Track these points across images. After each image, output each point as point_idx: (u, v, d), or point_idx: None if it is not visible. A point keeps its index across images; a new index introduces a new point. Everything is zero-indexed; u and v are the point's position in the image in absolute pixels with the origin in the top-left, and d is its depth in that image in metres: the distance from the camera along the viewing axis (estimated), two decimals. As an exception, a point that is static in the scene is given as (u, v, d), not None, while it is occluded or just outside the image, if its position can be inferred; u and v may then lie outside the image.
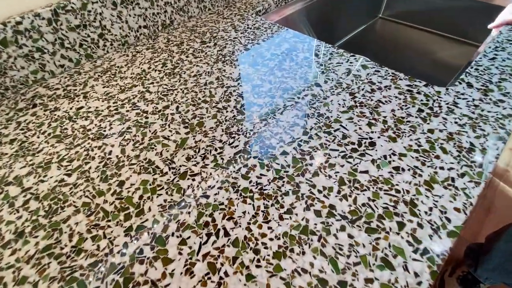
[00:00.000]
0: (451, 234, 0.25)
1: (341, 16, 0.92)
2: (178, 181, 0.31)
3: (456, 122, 0.34)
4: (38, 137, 0.37)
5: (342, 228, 0.26)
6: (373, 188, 0.28)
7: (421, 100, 0.37)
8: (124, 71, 0.48)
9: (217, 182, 0.30)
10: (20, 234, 0.27)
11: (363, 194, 0.28)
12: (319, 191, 0.29)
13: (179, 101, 0.41)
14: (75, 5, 0.45)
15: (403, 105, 0.37)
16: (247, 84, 0.43)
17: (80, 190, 0.30)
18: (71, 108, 0.41)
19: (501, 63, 0.43)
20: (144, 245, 0.26)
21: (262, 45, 0.51)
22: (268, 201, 0.28)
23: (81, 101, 0.42)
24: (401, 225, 0.26)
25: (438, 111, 0.36)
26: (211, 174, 0.31)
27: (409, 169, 0.30)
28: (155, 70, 0.47)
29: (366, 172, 0.30)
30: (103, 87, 0.45)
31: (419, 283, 0.22)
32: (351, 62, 0.45)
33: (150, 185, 0.31)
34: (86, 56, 0.50)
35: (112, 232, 0.27)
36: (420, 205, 0.27)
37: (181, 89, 0.43)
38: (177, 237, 0.26)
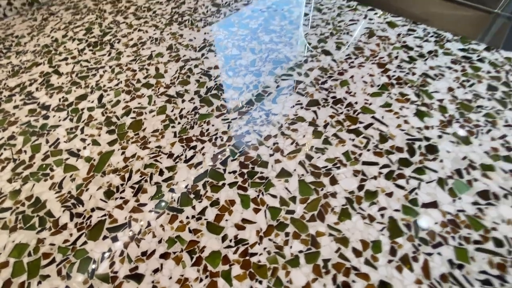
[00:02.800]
0: None
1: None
2: (85, 243, 0.16)
3: (555, 105, 0.21)
4: None
5: None
6: (453, 239, 0.15)
7: (489, 72, 0.24)
8: (25, 43, 0.31)
9: (159, 242, 0.16)
10: None
11: (438, 254, 0.15)
12: (357, 252, 0.15)
13: (104, 86, 0.25)
14: None
15: (464, 81, 0.23)
16: (217, 55, 0.27)
17: None
18: None
19: None
20: None
21: (237, -1, 0.35)
22: (261, 282, 0.14)
23: None
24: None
25: (521, 88, 0.22)
26: (149, 224, 0.16)
27: (505, 195, 0.17)
28: (73, 39, 0.30)
29: (434, 205, 0.16)
30: (-18, 69, 0.27)
31: None
32: (370, 19, 0.30)
33: (29, 255, 0.16)
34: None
35: None
36: (553, 275, 0.14)
37: (110, 66, 0.27)
38: None
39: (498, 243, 0.15)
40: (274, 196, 0.17)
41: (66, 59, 0.28)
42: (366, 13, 0.31)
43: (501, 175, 0.18)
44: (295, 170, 0.19)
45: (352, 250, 0.15)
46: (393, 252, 0.15)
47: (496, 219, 0.16)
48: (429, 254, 0.15)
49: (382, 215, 0.16)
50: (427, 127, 0.20)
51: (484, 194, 0.17)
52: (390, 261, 0.15)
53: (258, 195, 0.17)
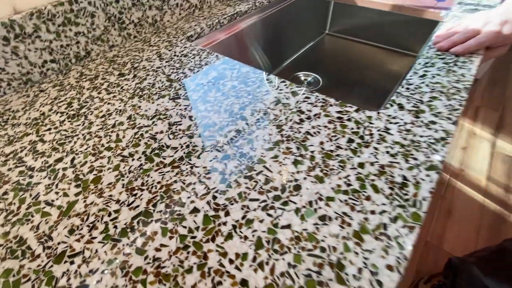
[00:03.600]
0: (384, 305, 0.20)
1: (288, 35, 0.91)
2: (51, 266, 0.23)
3: (387, 152, 0.31)
4: None
5: (254, 315, 0.20)
6: (294, 248, 0.23)
7: (352, 129, 0.34)
8: (19, 116, 0.40)
9: (102, 263, 0.23)
10: None
11: (283, 259, 0.23)
12: (231, 261, 0.23)
13: (77, 150, 0.34)
14: None
15: (332, 136, 0.33)
16: (163, 122, 0.37)
17: None
18: None
19: (431, 80, 0.42)
20: None
21: (187, 74, 0.46)
22: (165, 284, 0.22)
23: (-51, 160, 0.34)
24: (325, 300, 0.21)
25: (369, 139, 0.33)
26: (96, 251, 0.24)
27: (336, 217, 0.25)
28: (57, 113, 0.40)
29: (288, 226, 0.25)
30: (-16, 140, 0.36)
31: None
32: (281, 89, 0.42)
33: (13, 276, 0.23)
34: (-29, 100, 0.42)
35: None
36: (348, 267, 0.22)
37: (83, 134, 0.36)
38: None
39: (323, 250, 0.23)
40: (184, 227, 0.26)
41: (49, 129, 0.38)
42: (278, 84, 0.43)
43: (337, 203, 0.27)
44: (203, 207, 0.27)
45: (228, 260, 0.23)
46: (254, 259, 0.23)
47: (326, 234, 0.24)
48: (277, 260, 0.23)
49: (253, 235, 0.25)
50: (298, 172, 0.30)
51: (322, 217, 0.26)
52: (251, 266, 0.23)
53: (174, 227, 0.26)
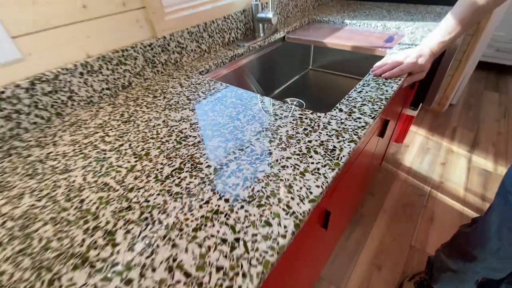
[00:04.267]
0: (311, 201, 0.38)
1: (277, 71, 1.15)
2: (126, 194, 0.41)
3: (327, 134, 0.50)
4: (13, 177, 0.46)
5: (241, 207, 0.37)
6: (266, 180, 0.41)
7: (307, 123, 0.53)
8: (88, 123, 0.60)
9: (156, 192, 0.41)
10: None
11: (260, 186, 0.41)
12: (230, 187, 0.41)
13: (131, 140, 0.53)
14: (49, 77, 0.58)
15: (294, 127, 0.53)
16: (186, 123, 0.57)
17: (48, 209, 0.40)
18: (41, 154, 0.51)
19: (364, 95, 0.62)
20: (97, 237, 0.35)
21: (200, 95, 0.67)
22: (192, 197, 0.39)
23: (50, 148, 0.53)
24: (280, 200, 0.38)
25: (317, 128, 0.52)
26: (151, 187, 0.42)
27: (291, 166, 0.43)
28: (114, 120, 0.60)
29: (263, 171, 0.43)
30: (70, 136, 0.56)
31: (286, 231, 0.34)
32: (263, 103, 0.62)
33: (105, 199, 0.41)
34: (56, 114, 0.62)
35: (73, 233, 0.36)
36: (295, 186, 0.40)
37: (134, 131, 0.56)
38: (124, 229, 0.36)
39: (281, 180, 0.41)
40: (202, 174, 0.44)
41: (111, 129, 0.57)
42: (263, 99, 0.63)
43: (292, 160, 0.45)
44: (214, 166, 0.45)
45: (228, 187, 0.41)
46: (243, 184, 0.41)
47: (284, 173, 0.42)
48: (256, 185, 0.41)
49: (243, 175, 0.42)
50: (271, 146, 0.48)
51: (283, 167, 0.44)
52: (242, 186, 0.40)
53: (196, 174, 0.44)
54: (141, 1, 0.70)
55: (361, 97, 0.61)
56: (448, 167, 1.65)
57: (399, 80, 0.67)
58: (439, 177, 1.58)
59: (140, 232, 0.35)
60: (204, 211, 0.37)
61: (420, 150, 1.77)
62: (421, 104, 1.62)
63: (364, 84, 0.66)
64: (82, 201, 0.41)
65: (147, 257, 0.32)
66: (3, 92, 0.53)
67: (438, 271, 0.90)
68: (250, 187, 0.40)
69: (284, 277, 0.53)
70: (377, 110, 0.56)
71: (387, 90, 0.63)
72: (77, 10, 0.59)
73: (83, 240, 0.35)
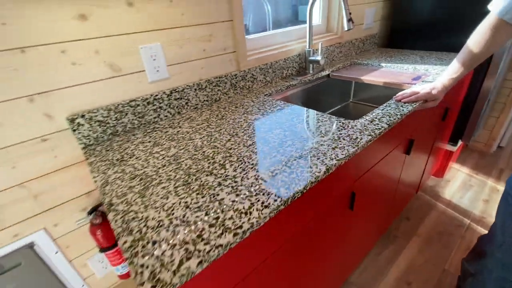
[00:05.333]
0: (338, 160, 0.63)
1: (322, 100, 1.44)
2: (228, 150, 0.71)
3: (353, 131, 0.75)
4: (161, 141, 0.81)
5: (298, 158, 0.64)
6: (312, 152, 0.68)
7: (340, 125, 0.80)
8: (197, 119, 0.95)
9: (243, 151, 0.71)
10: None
11: (309, 154, 0.67)
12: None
13: (226, 127, 0.85)
14: (179, 89, 0.96)
15: (331, 126, 0.79)
16: (257, 121, 0.87)
17: (186, 154, 0.72)
18: (174, 131, 0.86)
19: (385, 112, 0.86)
20: (216, 165, 0.65)
21: (267, 108, 0.99)
22: (263, 154, 0.68)
23: (178, 129, 0.88)
24: (325, 155, 0.64)
25: (346, 127, 0.77)
26: (241, 149, 0.72)
27: (328, 146, 0.69)
28: (213, 117, 0.94)
29: (311, 145, 0.70)
30: (188, 124, 0.91)
31: (327, 168, 0.59)
32: (316, 115, 0.90)
33: (216, 151, 0.71)
34: (178, 112, 0.99)
35: (202, 164, 0.66)
36: (327, 154, 0.65)
37: (226, 123, 0.88)
38: (229, 163, 0.65)
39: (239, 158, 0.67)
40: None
41: (200, 132, 0.91)
42: (314, 114, 0.92)
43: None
44: (230, 166, 0.74)
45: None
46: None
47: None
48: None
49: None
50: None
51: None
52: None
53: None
54: (234, 47, 1.09)
55: (382, 113, 0.85)
56: (491, 204, 1.65)
57: (415, 104, 0.90)
58: (481, 213, 1.60)
59: (238, 164, 0.64)
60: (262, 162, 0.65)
61: (462, 186, 1.81)
62: (459, 140, 1.72)
63: (386, 105, 0.91)
64: (203, 152, 0.72)
65: (241, 173, 0.60)
66: (156, 95, 0.91)
67: (463, 280, 0.99)
68: (303, 156, 0.67)
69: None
70: (394, 121, 0.79)
71: (403, 110, 0.86)
72: (201, 52, 0.99)
73: (208, 166, 0.65)
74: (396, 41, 1.80)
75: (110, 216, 0.53)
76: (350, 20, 1.07)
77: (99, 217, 0.89)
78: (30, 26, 0.65)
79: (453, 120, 1.62)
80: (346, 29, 1.08)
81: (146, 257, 0.43)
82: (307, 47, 1.31)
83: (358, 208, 0.92)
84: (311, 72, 1.36)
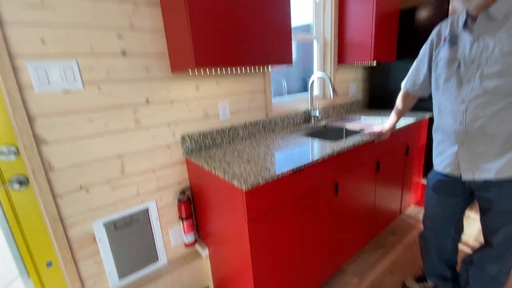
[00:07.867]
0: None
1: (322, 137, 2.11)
2: (270, 155, 1.36)
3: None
4: (243, 147, 1.47)
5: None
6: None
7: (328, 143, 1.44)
8: (254, 144, 1.63)
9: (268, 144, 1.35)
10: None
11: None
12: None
13: (266, 146, 1.51)
14: (228, 127, 1.67)
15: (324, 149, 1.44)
16: (281, 145, 1.53)
17: (256, 152, 1.37)
18: (250, 146, 1.53)
19: (353, 140, 1.51)
20: (263, 154, 1.29)
21: (284, 139, 1.66)
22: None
23: (249, 145, 1.55)
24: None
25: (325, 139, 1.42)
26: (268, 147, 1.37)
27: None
28: (257, 143, 1.62)
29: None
30: (250, 145, 1.58)
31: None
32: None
33: (267, 150, 1.36)
34: (232, 140, 1.68)
35: (259, 151, 1.31)
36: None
37: (264, 146, 1.54)
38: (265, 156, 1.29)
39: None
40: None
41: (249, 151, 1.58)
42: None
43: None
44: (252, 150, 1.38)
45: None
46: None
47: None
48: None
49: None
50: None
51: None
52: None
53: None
54: (265, 105, 1.83)
55: (353, 140, 1.50)
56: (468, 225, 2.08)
57: (371, 136, 1.54)
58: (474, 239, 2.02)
59: (263, 152, 1.27)
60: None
61: (439, 213, 2.26)
62: (430, 175, 2.26)
63: (357, 135, 1.56)
64: (251, 151, 1.37)
65: (254, 149, 1.24)
66: (223, 129, 1.62)
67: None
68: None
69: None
70: (357, 142, 1.43)
71: (362, 138, 1.50)
72: (246, 107, 1.73)
73: (253, 155, 1.29)
74: (374, 104, 2.55)
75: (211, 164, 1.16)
76: (334, 90, 1.81)
77: (185, 196, 1.49)
78: (173, 92, 1.41)
79: (419, 157, 2.21)
80: (331, 97, 1.82)
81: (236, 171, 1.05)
82: (310, 107, 2.06)
83: (342, 194, 1.48)
84: (312, 122, 2.07)
